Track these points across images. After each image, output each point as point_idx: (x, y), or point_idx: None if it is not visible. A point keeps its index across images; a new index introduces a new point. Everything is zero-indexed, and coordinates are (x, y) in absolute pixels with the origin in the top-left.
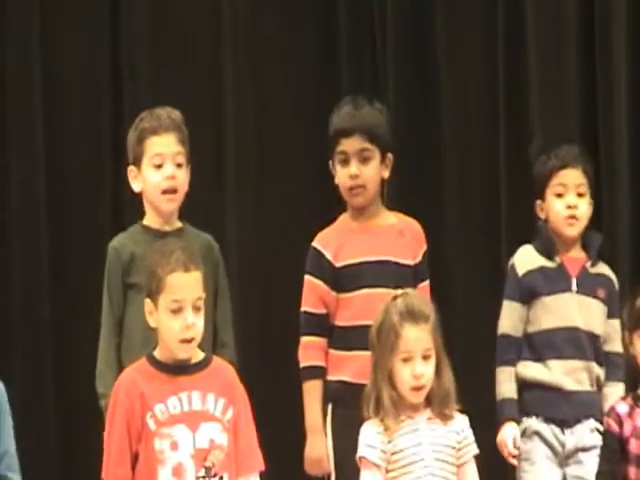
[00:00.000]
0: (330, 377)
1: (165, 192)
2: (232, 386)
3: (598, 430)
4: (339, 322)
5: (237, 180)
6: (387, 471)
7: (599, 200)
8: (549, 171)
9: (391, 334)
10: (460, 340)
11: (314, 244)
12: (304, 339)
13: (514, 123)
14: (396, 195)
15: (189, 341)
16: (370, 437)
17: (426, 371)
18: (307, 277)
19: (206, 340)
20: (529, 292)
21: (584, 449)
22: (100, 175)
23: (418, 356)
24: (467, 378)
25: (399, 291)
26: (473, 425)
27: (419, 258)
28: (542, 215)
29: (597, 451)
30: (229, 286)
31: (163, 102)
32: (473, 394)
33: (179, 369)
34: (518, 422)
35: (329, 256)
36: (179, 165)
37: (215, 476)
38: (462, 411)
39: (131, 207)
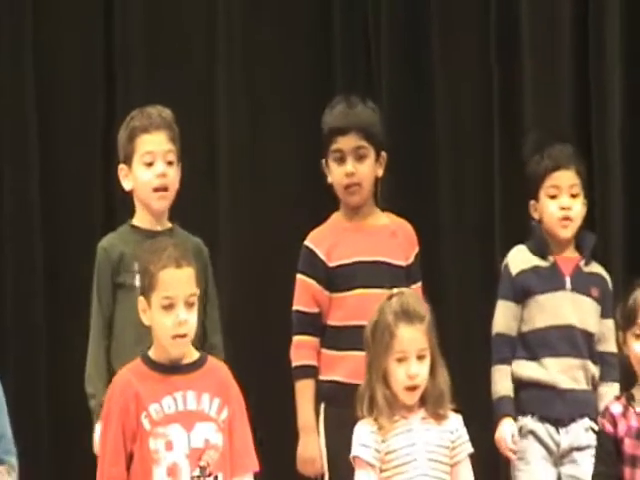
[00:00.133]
0: (322, 377)
1: (156, 190)
2: (227, 386)
3: (593, 429)
4: (332, 322)
5: (230, 180)
6: (381, 471)
7: (592, 199)
8: (542, 172)
9: (386, 334)
10: (454, 341)
11: (306, 243)
12: (296, 338)
13: (508, 124)
14: (390, 197)
15: (182, 336)
16: (364, 436)
17: (421, 371)
18: (299, 276)
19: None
20: (523, 291)
21: (579, 448)
22: (94, 181)
23: (413, 356)
24: (461, 379)
25: (394, 290)
26: (468, 425)
27: (411, 259)
28: (536, 215)
29: (592, 451)
30: (222, 285)
31: (157, 104)
32: (468, 394)
33: (174, 369)
34: (515, 419)
35: (322, 255)
36: (170, 163)
37: (210, 476)
38: (456, 410)
39: (125, 213)
